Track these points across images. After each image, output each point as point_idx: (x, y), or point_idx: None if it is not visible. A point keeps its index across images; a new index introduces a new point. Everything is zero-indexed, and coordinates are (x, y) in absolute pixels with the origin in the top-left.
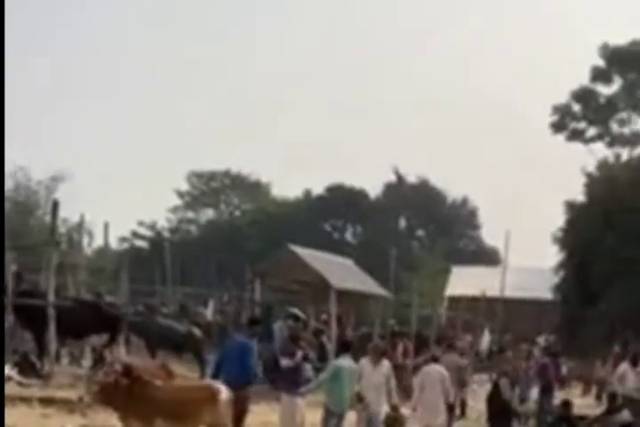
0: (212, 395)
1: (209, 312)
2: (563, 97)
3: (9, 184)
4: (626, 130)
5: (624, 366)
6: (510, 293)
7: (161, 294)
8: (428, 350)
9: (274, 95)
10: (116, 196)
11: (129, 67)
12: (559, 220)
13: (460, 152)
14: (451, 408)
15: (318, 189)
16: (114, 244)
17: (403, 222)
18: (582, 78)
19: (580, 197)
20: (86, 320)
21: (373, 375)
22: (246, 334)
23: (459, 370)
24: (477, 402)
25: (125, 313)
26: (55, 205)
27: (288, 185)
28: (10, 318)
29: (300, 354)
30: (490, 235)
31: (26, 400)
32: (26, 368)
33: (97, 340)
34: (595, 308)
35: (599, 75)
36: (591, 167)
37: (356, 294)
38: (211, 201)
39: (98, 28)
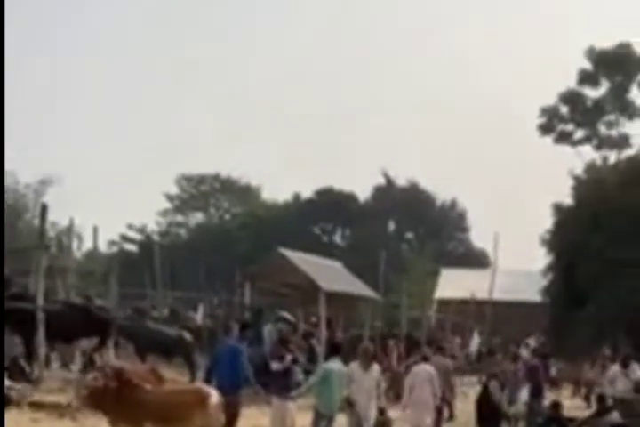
0: (202, 399)
1: (199, 316)
2: (551, 99)
3: None
4: (613, 132)
5: (615, 368)
6: (499, 295)
7: (151, 298)
8: (419, 352)
9: (265, 98)
10: (105, 199)
11: (119, 72)
12: (547, 222)
13: (449, 155)
14: (439, 409)
15: (308, 192)
16: (103, 247)
17: (392, 225)
18: (570, 81)
19: (567, 199)
20: (76, 324)
21: (364, 380)
22: (237, 338)
23: (446, 372)
24: (467, 404)
25: (115, 317)
26: (44, 209)
27: (278, 189)
28: None
29: (289, 358)
30: (479, 237)
31: (16, 405)
32: (15, 373)
33: (87, 344)
34: (583, 310)
35: (586, 77)
36: (579, 170)
37: (346, 296)
38: (200, 204)
39: (93, 32)
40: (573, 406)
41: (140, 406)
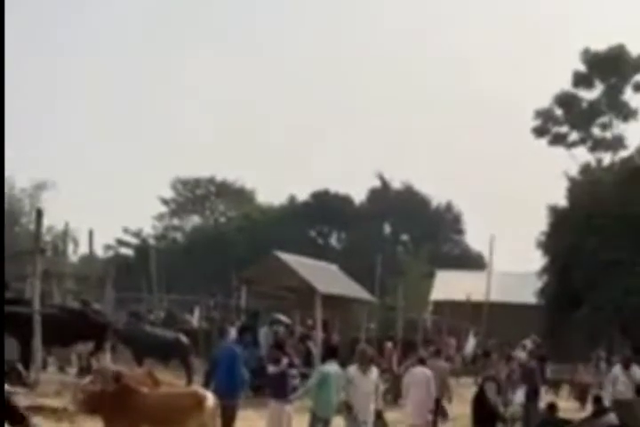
0: (199, 402)
1: (195, 319)
2: (545, 101)
3: None
4: (607, 134)
5: (616, 370)
6: (495, 297)
7: (147, 302)
8: (416, 354)
9: (260, 101)
10: (100, 203)
11: (115, 76)
12: (543, 224)
13: (444, 157)
14: (434, 411)
15: (303, 195)
16: (99, 251)
17: (387, 228)
18: (565, 83)
19: (562, 201)
20: (72, 328)
21: (363, 383)
22: (236, 341)
23: (442, 374)
24: (463, 406)
25: (111, 321)
26: (39, 213)
27: (273, 191)
28: None
29: (285, 361)
30: (474, 239)
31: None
32: (12, 377)
33: (83, 347)
34: (578, 311)
35: (581, 79)
36: (573, 172)
37: (342, 298)
38: (196, 208)
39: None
40: (572, 407)
41: (137, 409)
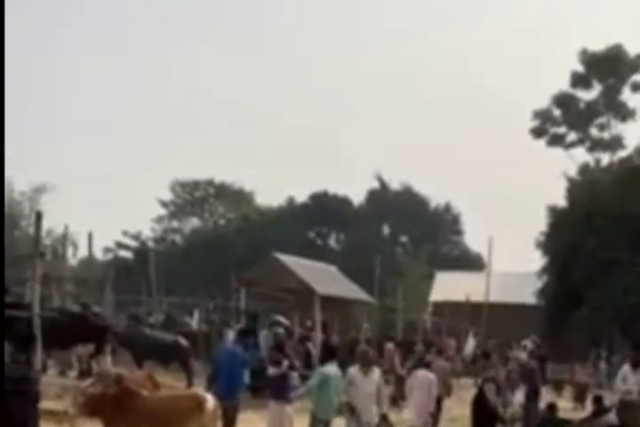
0: (199, 404)
1: (194, 321)
2: (544, 102)
3: None
4: (606, 134)
5: (625, 369)
6: (494, 298)
7: (147, 305)
8: (414, 355)
9: (259, 103)
10: (100, 206)
11: (114, 79)
12: (542, 224)
13: (443, 158)
14: (434, 414)
15: (302, 196)
16: (99, 254)
17: (386, 229)
18: (563, 83)
19: (561, 201)
20: (72, 331)
21: (365, 385)
22: (236, 343)
23: (444, 374)
24: (463, 407)
25: (110, 324)
26: (39, 216)
27: (272, 193)
28: None
29: (286, 363)
30: (473, 240)
31: None
32: None
33: (83, 350)
34: (578, 311)
35: (579, 80)
36: (572, 172)
37: (341, 300)
38: (195, 210)
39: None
40: (572, 408)
41: (137, 412)
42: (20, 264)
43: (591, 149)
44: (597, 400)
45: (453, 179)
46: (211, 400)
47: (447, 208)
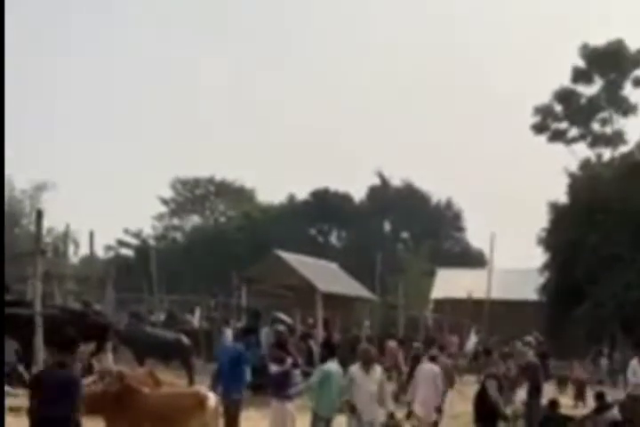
0: (200, 402)
1: (195, 319)
2: (545, 98)
3: None
4: (607, 129)
5: (634, 363)
6: (496, 294)
7: (148, 302)
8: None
9: (260, 100)
10: (100, 204)
11: (114, 77)
12: (543, 221)
13: (444, 154)
14: (438, 408)
15: (303, 193)
16: (100, 252)
17: (387, 225)
18: (564, 79)
19: (563, 197)
20: (73, 329)
21: (366, 383)
22: (236, 340)
23: (447, 370)
24: (465, 404)
25: (112, 322)
26: (39, 215)
27: (272, 190)
28: None
29: (289, 361)
30: (475, 237)
31: (15, 410)
32: (13, 378)
33: (84, 348)
34: (580, 307)
35: (580, 75)
36: (573, 168)
37: (342, 297)
38: (196, 208)
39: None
40: (576, 405)
41: (139, 409)
42: (21, 262)
43: (592, 145)
44: (599, 397)
45: (454, 175)
46: (212, 398)
47: (448, 204)
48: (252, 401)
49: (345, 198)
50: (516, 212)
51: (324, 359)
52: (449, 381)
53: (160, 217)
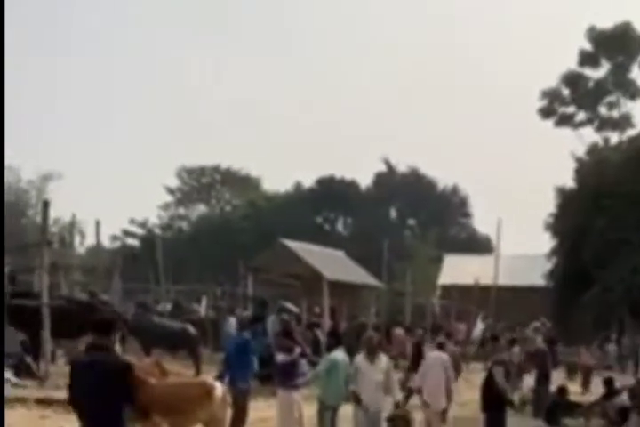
0: (207, 392)
1: (202, 309)
2: (552, 82)
3: None
4: (615, 113)
5: None
6: (503, 280)
7: (154, 292)
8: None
9: (264, 87)
10: (106, 194)
11: (119, 66)
12: (550, 206)
13: (450, 140)
14: (448, 393)
15: (308, 181)
16: (106, 242)
17: (394, 212)
18: (571, 62)
19: (570, 182)
20: (80, 319)
21: (371, 373)
22: (246, 331)
23: (454, 358)
24: (473, 391)
25: (118, 311)
26: (46, 205)
27: (278, 178)
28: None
29: (297, 350)
30: (482, 223)
31: (23, 401)
32: (22, 370)
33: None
34: (588, 292)
35: (587, 58)
36: (580, 152)
37: (349, 285)
38: (201, 197)
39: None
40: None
41: (146, 400)
42: (28, 253)
43: (600, 129)
44: (608, 382)
45: (461, 161)
46: (219, 388)
47: (455, 190)
48: (259, 391)
49: (351, 186)
50: (523, 197)
51: (330, 348)
52: (456, 369)
53: (166, 206)
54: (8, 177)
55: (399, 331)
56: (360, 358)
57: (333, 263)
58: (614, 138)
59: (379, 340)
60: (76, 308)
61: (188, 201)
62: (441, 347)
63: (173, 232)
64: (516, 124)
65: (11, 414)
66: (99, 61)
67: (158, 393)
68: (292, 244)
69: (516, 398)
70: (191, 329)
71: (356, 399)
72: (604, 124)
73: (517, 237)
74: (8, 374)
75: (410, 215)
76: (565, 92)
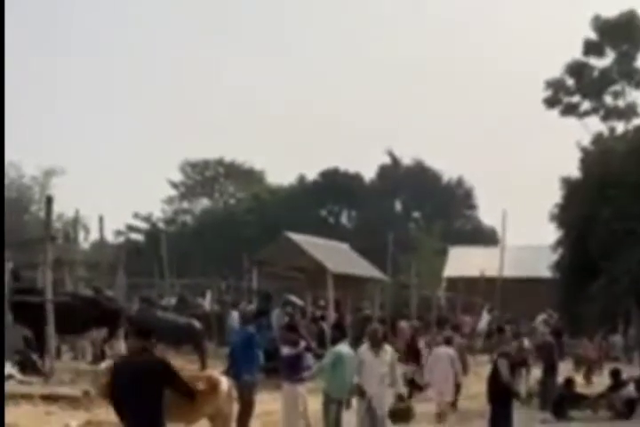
0: (213, 386)
1: (207, 303)
2: (556, 71)
3: None
4: (620, 102)
5: None
6: (509, 272)
7: (159, 287)
8: (429, 332)
9: (267, 81)
10: (109, 188)
11: (122, 61)
12: (556, 197)
13: (454, 132)
14: (457, 387)
15: (312, 174)
16: (110, 237)
17: (398, 205)
18: (576, 52)
19: (575, 172)
20: (85, 315)
21: (375, 365)
22: (251, 324)
23: (460, 351)
24: (482, 384)
25: (123, 307)
26: (49, 201)
27: (282, 171)
28: (8, 317)
29: (302, 344)
30: (487, 214)
31: (28, 398)
32: (27, 366)
33: (96, 334)
34: (595, 283)
35: (592, 47)
36: (586, 142)
37: (354, 278)
38: (205, 190)
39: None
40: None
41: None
42: (32, 249)
43: (605, 118)
44: (615, 374)
45: (465, 152)
46: (225, 382)
47: (459, 182)
48: (264, 384)
49: (355, 178)
50: (528, 188)
51: (335, 341)
52: (463, 364)
53: (170, 200)
54: (11, 173)
55: (404, 324)
56: (364, 351)
57: (338, 256)
58: (620, 127)
59: (384, 332)
60: (81, 304)
61: (192, 195)
62: (448, 342)
63: (177, 226)
64: (521, 115)
65: (16, 411)
66: (100, 58)
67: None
68: (297, 237)
69: (522, 390)
70: (196, 324)
71: (361, 392)
72: (610, 114)
73: (523, 229)
74: (13, 371)
75: (414, 208)
76: (570, 81)
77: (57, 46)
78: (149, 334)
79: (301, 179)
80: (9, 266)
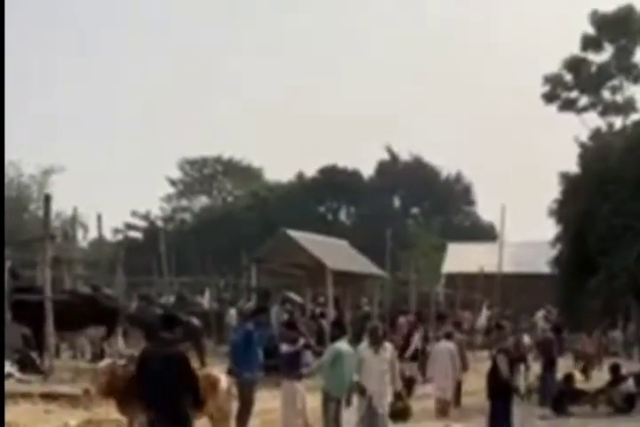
0: (212, 384)
1: (205, 301)
2: (554, 67)
3: None
4: (618, 97)
5: None
6: (508, 268)
7: (158, 285)
8: (426, 325)
9: (266, 78)
10: (108, 187)
11: (119, 58)
12: (554, 192)
13: (453, 127)
14: (459, 383)
15: (311, 171)
16: (108, 235)
17: (397, 201)
18: (574, 47)
19: (574, 168)
20: (83, 313)
21: (375, 363)
22: (250, 322)
23: (460, 347)
24: (483, 380)
25: (121, 305)
26: (48, 199)
27: (281, 168)
28: (7, 316)
29: (302, 341)
30: (485, 210)
31: (27, 396)
32: (26, 365)
33: (94, 332)
34: (593, 279)
35: (590, 42)
36: (584, 138)
37: (353, 274)
38: (204, 188)
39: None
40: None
41: None
42: (31, 247)
43: (603, 113)
44: (614, 369)
45: (464, 148)
46: (224, 380)
47: (458, 178)
48: (263, 382)
49: (354, 175)
50: (527, 183)
51: (334, 338)
52: (463, 361)
53: (168, 198)
54: (10, 172)
55: (403, 320)
56: (364, 348)
57: (337, 253)
58: (618, 122)
59: (383, 330)
60: (80, 301)
61: (190, 193)
62: (448, 337)
63: (176, 224)
64: (519, 110)
65: (15, 410)
66: (98, 56)
67: None
68: (296, 234)
69: (521, 385)
70: (195, 321)
71: (361, 390)
72: (608, 109)
73: (521, 224)
74: (12, 370)
75: (413, 204)
76: (568, 77)
77: (56, 45)
78: (173, 326)
79: (300, 176)
80: (7, 265)
